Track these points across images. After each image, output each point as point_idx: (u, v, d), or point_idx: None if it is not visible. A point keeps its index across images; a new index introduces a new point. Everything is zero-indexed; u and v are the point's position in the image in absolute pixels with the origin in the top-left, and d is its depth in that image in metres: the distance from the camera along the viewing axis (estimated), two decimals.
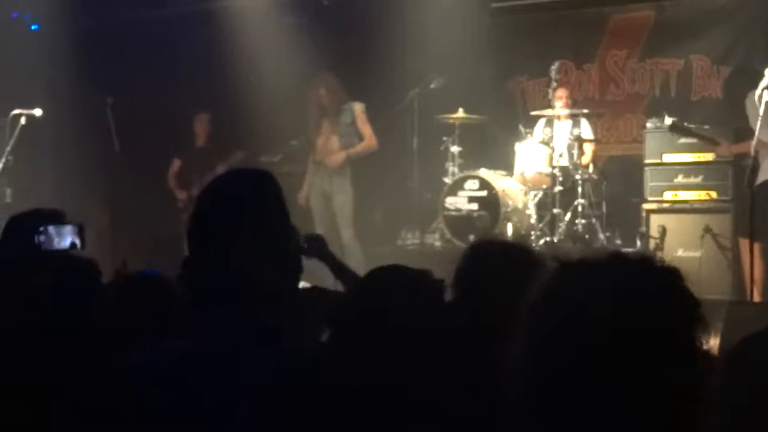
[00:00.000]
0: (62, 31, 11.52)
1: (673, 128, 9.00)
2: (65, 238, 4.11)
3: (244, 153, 10.46)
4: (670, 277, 1.54)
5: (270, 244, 2.49)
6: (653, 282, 1.52)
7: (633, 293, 1.49)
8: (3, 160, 9.83)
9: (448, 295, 3.38)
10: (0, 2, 11.51)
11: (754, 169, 8.01)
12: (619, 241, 9.76)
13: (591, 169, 10.08)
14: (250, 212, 2.48)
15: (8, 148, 9.88)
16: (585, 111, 10.23)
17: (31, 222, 4.17)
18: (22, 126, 9.81)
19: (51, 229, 3.99)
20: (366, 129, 9.85)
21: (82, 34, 11.66)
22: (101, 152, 10.34)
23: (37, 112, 9.93)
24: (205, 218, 2.53)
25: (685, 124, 9.10)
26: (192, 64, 11.56)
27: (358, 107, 9.87)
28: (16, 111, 9.89)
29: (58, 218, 4.15)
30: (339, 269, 4.26)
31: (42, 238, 3.95)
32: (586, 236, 9.64)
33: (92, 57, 11.52)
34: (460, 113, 10.61)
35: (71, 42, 11.46)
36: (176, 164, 10.75)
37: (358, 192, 9.89)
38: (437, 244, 10.42)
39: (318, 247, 4.20)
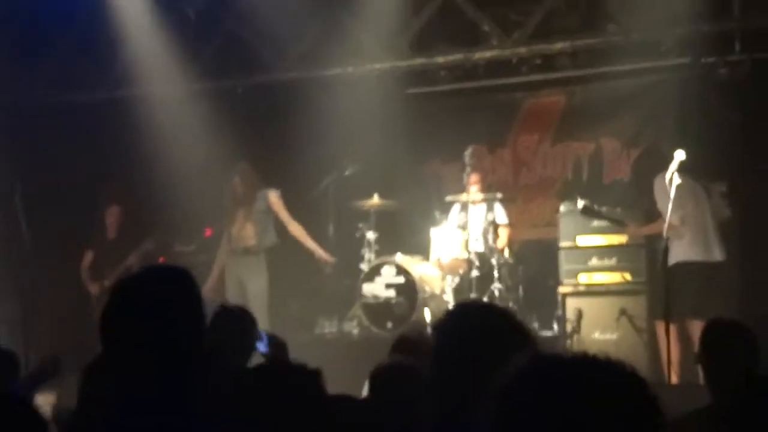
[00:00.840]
0: None
1: (584, 211, 9.10)
2: None
3: (155, 240, 10.32)
4: (634, 379, 1.59)
5: (181, 345, 2.49)
6: (619, 384, 1.58)
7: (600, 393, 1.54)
8: None
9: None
10: None
11: (666, 251, 8.14)
12: (536, 325, 9.78)
13: (507, 253, 10.14)
14: (160, 311, 2.47)
15: None
16: (498, 195, 10.32)
17: None
18: None
19: None
20: (284, 215, 9.88)
21: None
22: (12, 243, 10.14)
23: None
24: (117, 316, 2.51)
25: (597, 206, 9.20)
26: (105, 151, 11.42)
27: (273, 195, 9.89)
28: None
29: None
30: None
31: None
32: None
33: (2, 143, 11.32)
34: (376, 199, 10.62)
35: None
36: (88, 256, 10.55)
37: (274, 279, 9.83)
38: (355, 331, 10.32)
39: (279, 353, 4.17)
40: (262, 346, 4.08)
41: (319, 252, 10.01)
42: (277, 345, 4.18)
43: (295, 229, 9.94)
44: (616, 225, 9.18)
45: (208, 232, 10.95)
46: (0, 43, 11.09)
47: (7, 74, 11.27)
